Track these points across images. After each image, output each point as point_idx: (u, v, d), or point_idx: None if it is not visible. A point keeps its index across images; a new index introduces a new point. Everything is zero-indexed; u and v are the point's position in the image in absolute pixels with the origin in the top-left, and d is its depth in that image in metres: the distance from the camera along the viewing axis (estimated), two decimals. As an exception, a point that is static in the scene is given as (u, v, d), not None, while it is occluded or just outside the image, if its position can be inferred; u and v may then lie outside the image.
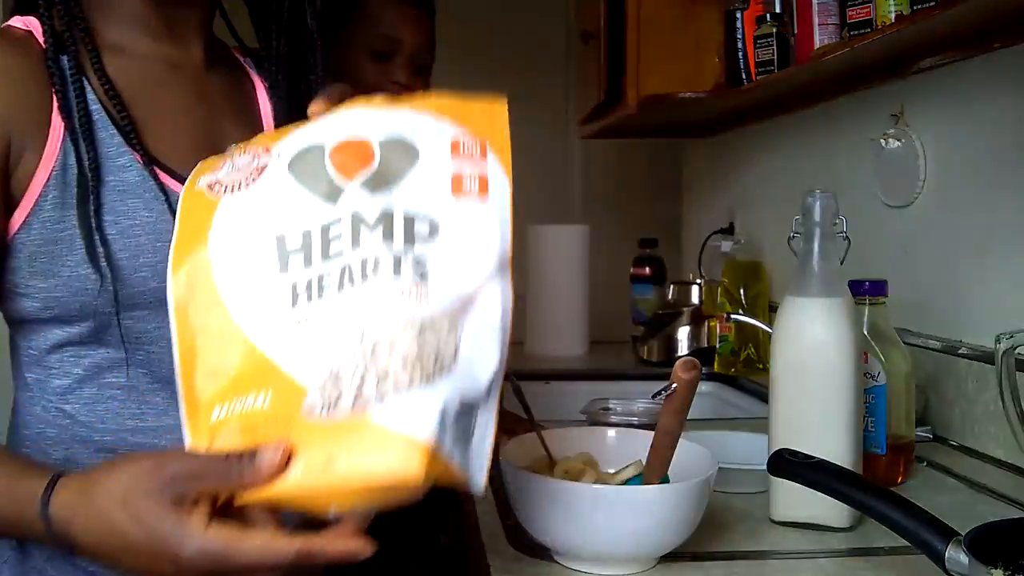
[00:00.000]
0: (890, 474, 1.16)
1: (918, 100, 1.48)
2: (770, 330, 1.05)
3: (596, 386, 1.99)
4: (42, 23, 0.88)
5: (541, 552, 0.93)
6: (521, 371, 1.55)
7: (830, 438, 0.99)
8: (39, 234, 0.85)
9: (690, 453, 0.94)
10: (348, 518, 0.68)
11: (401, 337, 0.67)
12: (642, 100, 1.98)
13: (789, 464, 0.89)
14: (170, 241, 0.85)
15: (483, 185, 0.72)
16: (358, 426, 0.64)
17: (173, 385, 0.90)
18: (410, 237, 0.70)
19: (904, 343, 1.21)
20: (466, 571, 1.05)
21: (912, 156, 1.47)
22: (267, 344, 0.71)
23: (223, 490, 0.66)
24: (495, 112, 0.76)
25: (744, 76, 1.77)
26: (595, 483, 0.93)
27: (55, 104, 0.86)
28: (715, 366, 2.00)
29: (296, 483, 0.65)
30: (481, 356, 0.69)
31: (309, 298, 0.70)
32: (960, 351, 1.34)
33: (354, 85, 1.46)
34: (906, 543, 0.79)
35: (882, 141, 1.52)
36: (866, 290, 1.17)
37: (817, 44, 1.48)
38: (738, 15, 1.78)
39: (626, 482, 0.93)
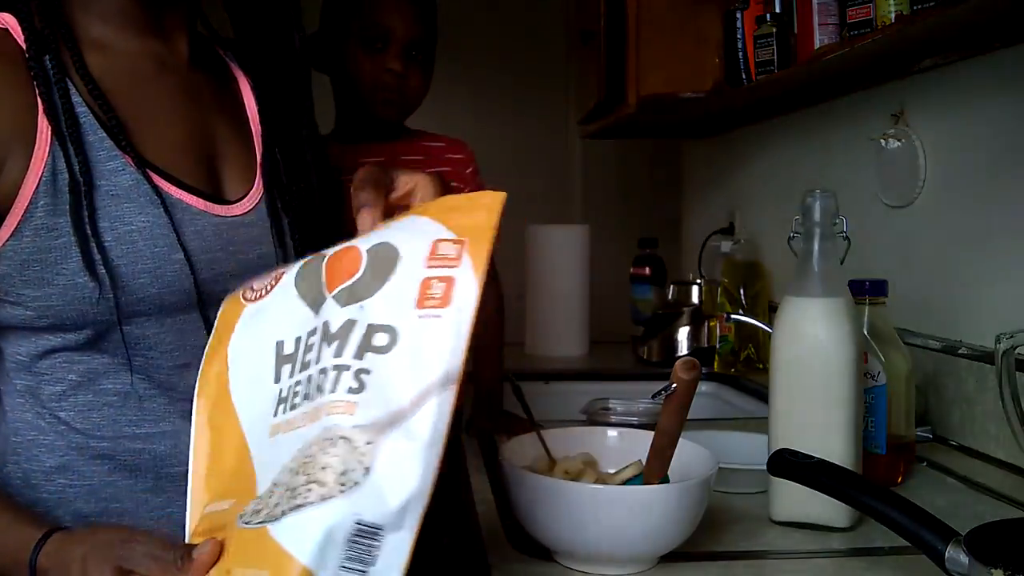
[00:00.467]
0: (890, 474, 1.16)
1: (918, 100, 1.48)
2: (770, 330, 1.05)
3: (596, 386, 1.99)
4: (20, 21, 0.84)
5: (541, 552, 0.93)
6: (521, 371, 1.55)
7: (830, 438, 0.99)
8: (31, 242, 0.83)
9: (690, 453, 0.94)
10: None
11: (318, 452, 0.68)
12: (642, 100, 1.98)
13: (789, 464, 0.89)
14: (169, 246, 0.85)
15: (447, 294, 0.71)
16: (258, 539, 0.66)
17: (171, 391, 0.91)
18: (364, 349, 0.70)
19: (904, 343, 1.21)
20: (466, 571, 1.05)
21: (912, 156, 1.47)
22: (254, 452, 0.74)
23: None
24: (490, 207, 0.73)
25: (744, 76, 1.77)
26: (595, 483, 0.93)
27: (40, 107, 0.83)
28: (715, 366, 2.00)
29: None
30: (397, 476, 0.67)
31: (284, 410, 0.73)
32: (960, 351, 1.34)
33: (349, 75, 1.46)
34: (906, 543, 0.79)
35: (882, 141, 1.52)
36: (866, 290, 1.17)
37: (817, 44, 1.47)
38: (738, 15, 1.78)
39: (626, 482, 0.93)
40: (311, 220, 0.99)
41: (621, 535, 0.86)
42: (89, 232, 0.83)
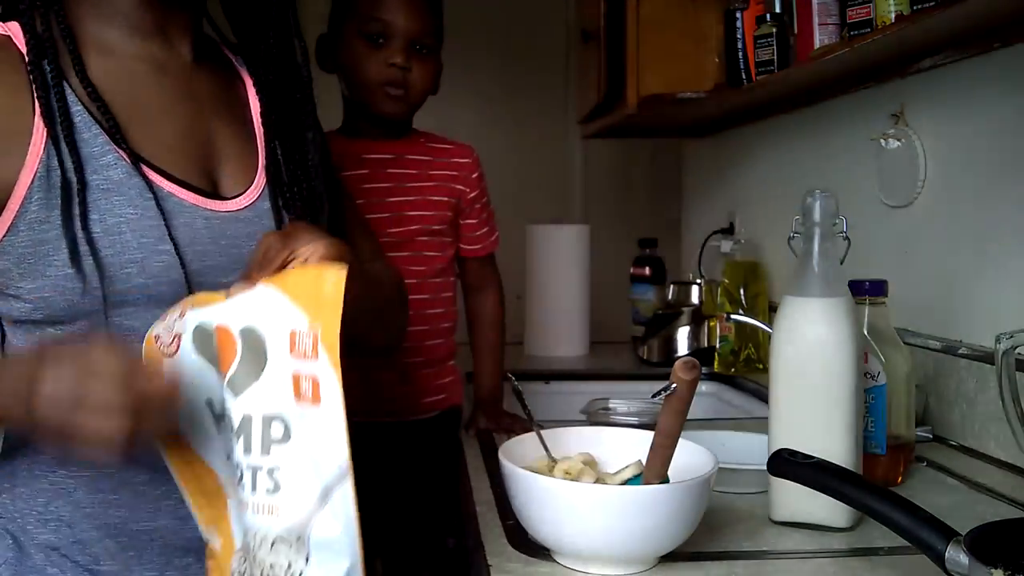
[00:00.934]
0: (890, 474, 1.16)
1: (918, 100, 1.48)
2: (770, 330, 1.05)
3: (596, 386, 2.00)
4: (24, 28, 0.89)
5: (541, 552, 0.93)
6: (521, 371, 1.55)
7: (830, 438, 0.99)
8: (26, 236, 0.86)
9: (690, 453, 0.94)
10: None
11: (258, 552, 0.77)
12: (642, 100, 1.98)
13: (789, 464, 0.89)
14: (157, 238, 0.89)
15: (315, 389, 0.76)
16: None
17: None
18: (268, 442, 0.77)
19: (904, 343, 1.21)
20: (466, 571, 1.05)
21: (912, 156, 1.47)
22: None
23: None
24: (334, 286, 0.77)
25: (744, 76, 1.77)
26: (595, 483, 0.93)
27: (38, 109, 0.86)
28: (715, 366, 2.00)
29: None
30: (330, 560, 0.76)
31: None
32: (960, 351, 1.34)
33: (352, 70, 1.47)
34: (906, 543, 0.79)
35: (882, 141, 1.52)
36: (866, 290, 1.17)
37: (817, 44, 1.48)
38: (738, 15, 1.78)
39: (626, 482, 0.93)
40: (313, 218, 1.00)
41: (621, 535, 0.86)
42: (79, 225, 0.85)
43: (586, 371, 2.21)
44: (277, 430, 0.77)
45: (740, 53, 1.77)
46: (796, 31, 1.56)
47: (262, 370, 0.78)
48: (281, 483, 0.77)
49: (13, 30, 0.89)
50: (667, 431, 0.90)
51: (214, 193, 0.95)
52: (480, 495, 1.14)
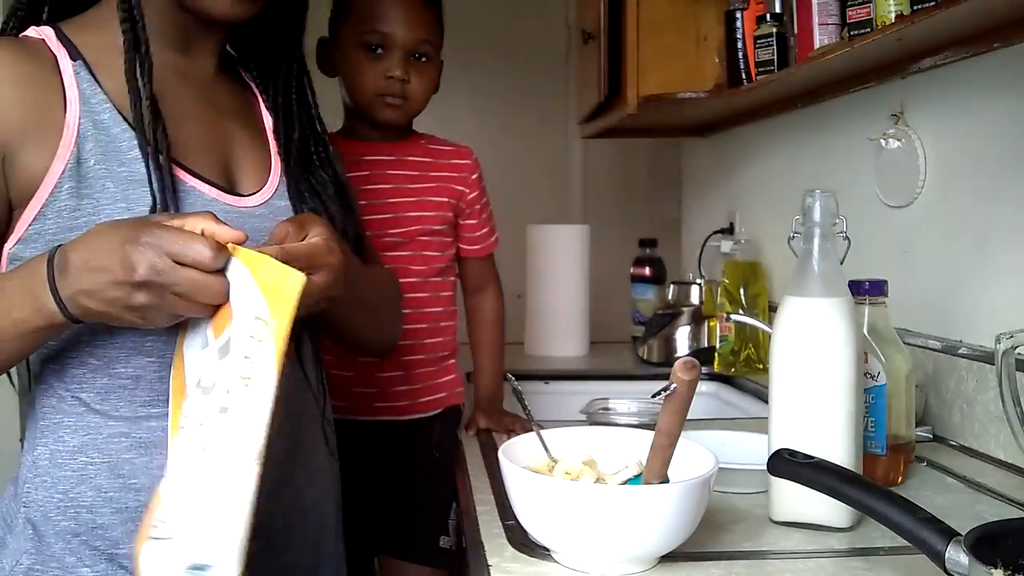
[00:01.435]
0: (890, 474, 1.16)
1: (918, 100, 1.48)
2: (770, 330, 1.05)
3: (596, 386, 2.00)
4: (57, 34, 0.96)
5: (541, 552, 0.93)
6: (521, 371, 1.55)
7: (830, 438, 0.99)
8: (54, 223, 0.91)
9: (690, 453, 0.94)
10: None
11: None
12: (642, 100, 1.98)
13: (789, 464, 0.89)
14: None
15: (254, 379, 0.81)
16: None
17: None
18: (234, 380, 0.82)
19: (904, 343, 1.21)
20: (466, 571, 1.05)
21: (912, 156, 1.47)
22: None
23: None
24: (292, 288, 0.82)
25: (744, 76, 1.77)
26: (595, 483, 0.93)
27: (69, 105, 0.92)
28: (715, 366, 2.00)
29: None
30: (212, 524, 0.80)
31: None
32: (960, 351, 1.34)
33: (350, 79, 1.47)
34: (906, 543, 0.78)
35: (882, 141, 1.52)
36: (866, 290, 1.17)
37: (817, 44, 1.47)
38: (738, 15, 1.78)
39: (626, 482, 0.93)
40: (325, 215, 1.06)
41: (621, 535, 0.86)
42: (106, 213, 0.91)
43: (586, 371, 2.21)
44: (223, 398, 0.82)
45: (740, 53, 1.77)
46: (796, 31, 1.56)
47: (228, 348, 0.83)
48: (230, 410, 0.82)
49: (46, 34, 0.96)
50: (667, 431, 0.90)
51: (232, 190, 1.01)
52: (480, 495, 1.14)
